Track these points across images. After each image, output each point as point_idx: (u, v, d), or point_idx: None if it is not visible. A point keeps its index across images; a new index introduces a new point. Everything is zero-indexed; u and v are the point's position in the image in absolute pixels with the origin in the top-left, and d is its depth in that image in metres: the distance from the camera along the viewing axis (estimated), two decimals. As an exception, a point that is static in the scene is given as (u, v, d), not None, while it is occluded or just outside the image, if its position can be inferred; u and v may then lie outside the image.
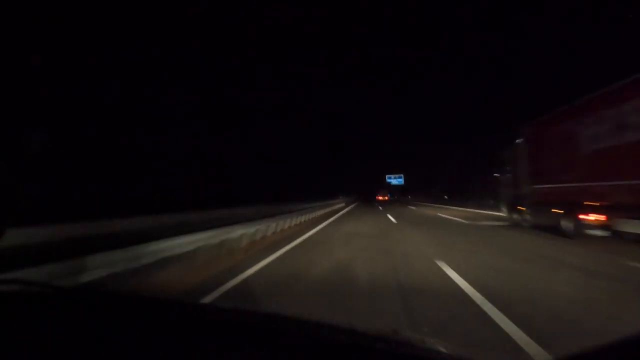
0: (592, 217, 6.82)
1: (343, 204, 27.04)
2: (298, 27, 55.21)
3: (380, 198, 58.48)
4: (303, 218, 11.98)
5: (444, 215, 16.43)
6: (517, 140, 10.46)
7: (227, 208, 8.03)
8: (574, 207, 7.27)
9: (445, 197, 38.96)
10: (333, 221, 13.21)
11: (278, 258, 5.53)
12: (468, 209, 21.14)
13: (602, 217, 6.64)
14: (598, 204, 6.74)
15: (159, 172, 16.60)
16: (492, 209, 19.36)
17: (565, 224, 7.75)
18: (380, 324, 2.62)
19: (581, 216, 7.05)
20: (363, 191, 64.91)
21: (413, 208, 25.74)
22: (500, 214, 12.59)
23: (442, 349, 0.69)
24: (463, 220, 13.18)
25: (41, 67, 13.14)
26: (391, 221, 13.16)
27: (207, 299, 3.25)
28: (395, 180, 74.89)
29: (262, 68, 51.03)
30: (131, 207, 6.80)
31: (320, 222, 12.25)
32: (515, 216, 10.69)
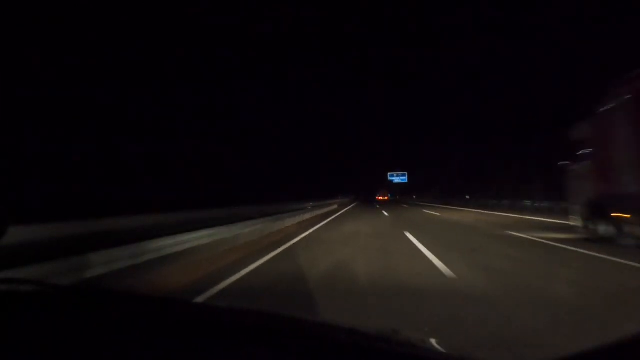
0: None
1: (336, 207, 25.18)
2: (298, 27, 55.28)
3: (380, 198, 58.12)
4: (293, 221, 11.98)
5: (515, 233, 8.35)
6: (603, 108, 6.73)
7: (224, 208, 8.03)
8: None
9: (467, 197, 36.58)
10: (329, 223, 13.20)
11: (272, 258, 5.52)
12: (505, 214, 16.43)
13: None
14: None
15: (158, 172, 16.63)
16: (532, 213, 16.12)
17: None
18: (380, 324, 2.62)
19: None
20: (364, 191, 65.03)
21: (436, 214, 17.22)
22: (567, 221, 8.57)
23: (442, 349, 0.68)
24: (526, 236, 7.72)
25: (41, 67, 13.17)
26: (427, 258, 5.02)
27: (202, 298, 3.25)
28: (398, 178, 70.52)
29: (262, 68, 51.11)
30: (130, 206, 6.81)
31: (299, 233, 12.04)
32: (601, 227, 6.76)
